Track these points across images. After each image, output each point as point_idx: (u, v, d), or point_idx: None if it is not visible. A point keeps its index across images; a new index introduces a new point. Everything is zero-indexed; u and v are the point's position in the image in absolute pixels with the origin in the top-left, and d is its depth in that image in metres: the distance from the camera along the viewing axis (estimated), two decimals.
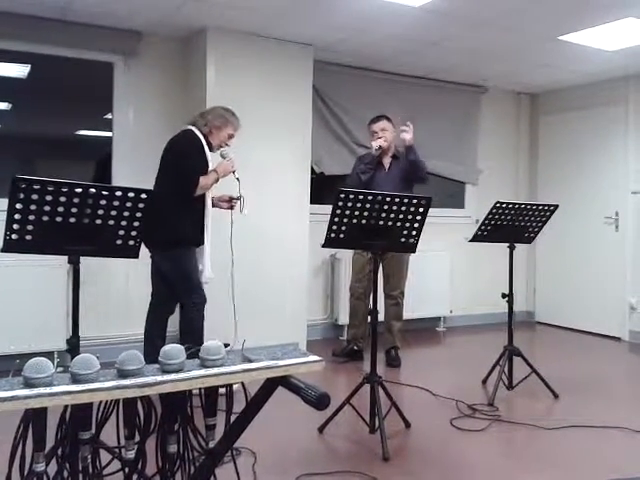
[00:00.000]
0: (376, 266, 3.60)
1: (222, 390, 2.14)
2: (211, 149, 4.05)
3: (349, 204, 3.28)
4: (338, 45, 5.33)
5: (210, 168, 4.00)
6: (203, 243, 3.99)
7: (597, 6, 4.27)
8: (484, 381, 4.49)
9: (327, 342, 5.82)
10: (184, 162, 3.94)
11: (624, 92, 6.24)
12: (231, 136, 4.11)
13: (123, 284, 5.05)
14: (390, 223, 3.40)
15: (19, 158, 5.07)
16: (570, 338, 6.40)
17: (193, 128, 4.04)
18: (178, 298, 4.04)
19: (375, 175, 4.98)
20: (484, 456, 3.26)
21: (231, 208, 4.21)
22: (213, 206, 4.12)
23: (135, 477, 2.13)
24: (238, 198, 4.16)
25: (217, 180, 4.00)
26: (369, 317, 5.05)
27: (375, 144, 4.91)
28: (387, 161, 5.07)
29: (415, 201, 3.37)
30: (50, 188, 2.45)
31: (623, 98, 6.26)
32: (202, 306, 4.00)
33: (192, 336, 3.86)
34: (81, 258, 2.66)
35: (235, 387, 2.18)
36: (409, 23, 4.68)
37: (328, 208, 3.47)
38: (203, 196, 3.98)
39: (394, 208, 3.35)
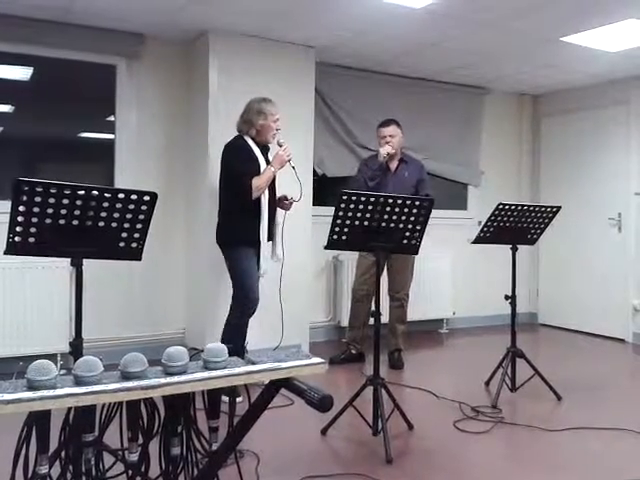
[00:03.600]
0: (380, 268, 3.59)
1: (225, 398, 2.14)
2: (267, 144, 4.21)
3: (351, 206, 3.28)
4: (340, 47, 5.33)
5: (263, 166, 4.09)
6: (259, 242, 4.08)
7: (599, 8, 4.27)
8: (487, 383, 4.48)
9: (330, 344, 5.82)
10: (228, 169, 4.16)
11: (626, 93, 6.23)
12: (277, 120, 4.19)
13: (126, 286, 5.05)
14: (392, 225, 3.39)
15: (22, 160, 5.08)
16: (573, 340, 6.38)
17: (243, 135, 4.18)
18: (233, 295, 4.16)
19: (382, 178, 4.98)
20: (487, 458, 3.26)
21: (286, 208, 4.30)
22: (278, 206, 4.26)
23: (138, 479, 2.13)
24: (289, 200, 4.27)
25: (274, 174, 4.09)
26: (371, 319, 5.10)
27: (383, 151, 4.89)
28: (394, 164, 5.07)
29: (417, 203, 3.37)
30: (53, 190, 2.45)
31: (625, 99, 6.26)
32: (244, 309, 4.08)
33: (225, 334, 4.05)
34: (84, 260, 2.66)
35: (239, 400, 2.19)
36: (411, 25, 4.68)
37: (330, 210, 3.47)
38: (258, 197, 4.08)
39: (396, 210, 3.35)
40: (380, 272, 3.61)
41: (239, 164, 4.09)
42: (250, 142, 4.16)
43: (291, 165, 4.15)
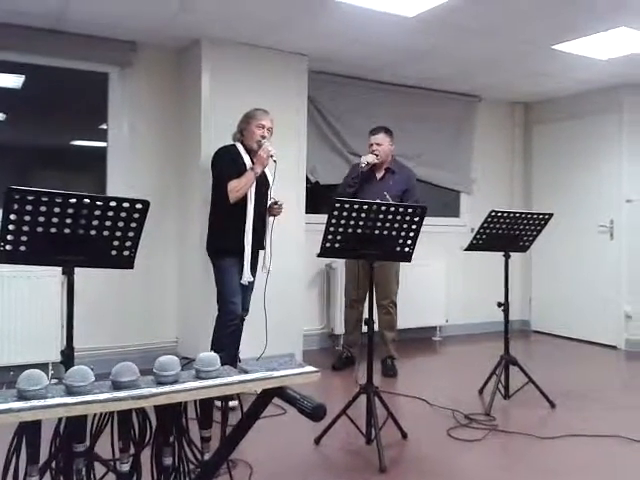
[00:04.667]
0: (372, 274, 3.59)
1: (218, 403, 2.13)
2: (251, 149, 4.16)
3: (344, 213, 3.28)
4: (333, 55, 5.34)
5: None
6: (244, 251, 4.05)
7: (590, 16, 4.29)
8: (480, 391, 4.48)
9: (323, 352, 5.81)
10: (213, 173, 4.19)
11: (617, 100, 6.27)
12: (261, 126, 4.16)
13: (118, 295, 5.03)
14: (385, 232, 3.40)
15: (13, 168, 5.05)
16: (566, 347, 6.39)
17: (236, 143, 4.21)
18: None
19: (364, 186, 4.97)
20: (481, 466, 3.25)
21: (276, 213, 4.26)
22: (270, 214, 4.23)
23: None
24: (278, 204, 4.24)
25: (256, 176, 4.05)
26: (362, 325, 5.11)
27: (364, 159, 4.91)
28: (380, 173, 5.07)
29: (410, 210, 3.38)
30: (44, 199, 2.44)
31: (617, 106, 6.29)
32: (225, 320, 4.07)
33: (212, 344, 4.06)
34: (76, 269, 2.65)
35: (232, 403, 2.17)
36: (403, 33, 4.69)
37: (323, 217, 3.47)
38: (243, 203, 4.05)
39: (389, 217, 3.35)
40: (371, 279, 3.59)
41: (220, 168, 4.12)
42: (240, 148, 4.17)
43: (273, 160, 4.10)
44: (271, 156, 4.06)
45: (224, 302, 4.09)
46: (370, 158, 4.91)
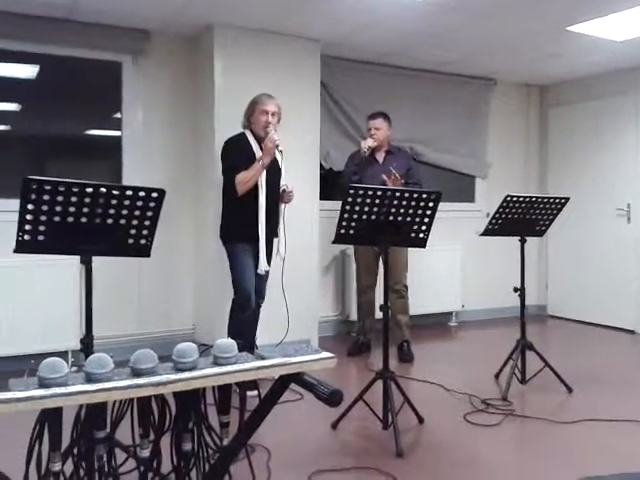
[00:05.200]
0: (387, 260, 3.59)
1: (236, 389, 2.14)
2: (260, 138, 4.11)
3: (359, 200, 3.27)
4: (345, 40, 5.31)
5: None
6: (257, 239, 4.03)
7: None
8: (497, 375, 4.47)
9: (339, 338, 5.83)
10: (222, 165, 4.17)
11: (634, 82, 6.19)
12: (264, 112, 4.11)
13: (136, 283, 5.07)
14: (400, 218, 3.39)
15: (29, 159, 5.09)
16: (583, 331, 6.37)
17: (244, 131, 4.19)
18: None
19: (368, 170, 5.03)
20: (498, 451, 3.26)
21: (287, 201, 4.24)
22: (281, 201, 4.21)
23: (150, 475, 2.14)
24: (288, 191, 4.22)
25: (264, 167, 4.00)
26: (375, 311, 5.15)
27: (364, 145, 4.98)
28: (381, 156, 5.12)
29: (425, 196, 3.36)
30: (61, 188, 2.45)
31: (633, 88, 6.22)
32: (239, 305, 4.10)
33: (229, 330, 4.09)
34: (93, 257, 2.67)
35: (250, 393, 2.19)
36: (415, 16, 4.66)
37: (337, 204, 3.46)
38: (255, 192, 4.03)
39: (404, 203, 3.34)
40: (386, 265, 3.59)
41: (227, 159, 4.12)
42: (249, 137, 4.15)
43: (278, 150, 4.04)
44: (276, 146, 3.99)
45: (238, 287, 4.10)
46: (370, 142, 4.99)
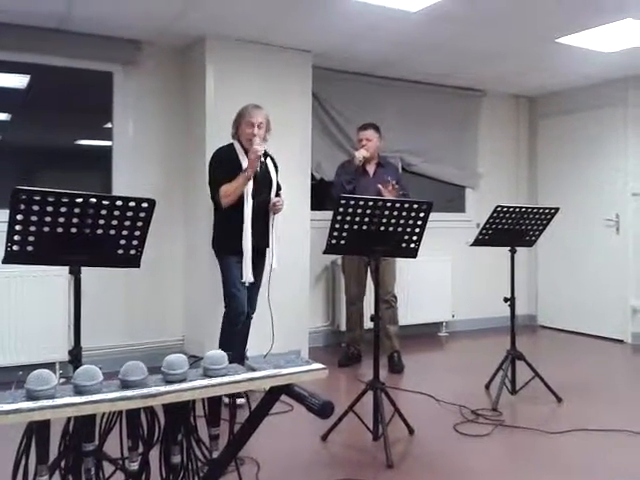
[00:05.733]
0: (377, 271, 3.59)
1: (226, 400, 2.13)
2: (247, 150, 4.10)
3: (350, 210, 3.28)
4: (336, 51, 5.33)
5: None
6: (242, 251, 4.02)
7: (595, 8, 4.27)
8: (487, 386, 4.47)
9: (329, 349, 5.81)
10: (209, 177, 4.16)
11: (623, 93, 6.24)
12: (250, 124, 4.09)
13: (125, 294, 5.04)
14: (391, 228, 3.40)
15: (19, 169, 5.07)
16: (573, 341, 6.38)
17: (233, 142, 4.19)
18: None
19: (360, 182, 5.06)
20: (488, 461, 3.25)
21: (278, 210, 4.23)
22: (271, 211, 4.20)
23: None
24: (274, 202, 4.21)
25: (248, 179, 4.00)
26: (364, 321, 5.16)
27: (359, 155, 5.02)
28: (372, 168, 5.16)
29: (416, 206, 3.38)
30: (51, 199, 2.44)
31: (622, 99, 6.27)
32: (230, 318, 4.09)
33: (220, 342, 4.08)
34: (82, 268, 2.66)
35: (239, 401, 2.18)
36: (406, 28, 4.68)
37: (328, 214, 3.46)
38: (240, 204, 4.02)
39: (395, 213, 3.35)
40: (377, 276, 3.60)
41: (212, 171, 4.13)
42: (237, 147, 4.14)
43: (265, 157, 4.13)
44: (259, 157, 3.99)
45: (230, 300, 4.10)
46: (364, 152, 5.04)
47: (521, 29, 4.73)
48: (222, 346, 3.95)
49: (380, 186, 4.89)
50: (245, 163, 4.04)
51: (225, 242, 4.12)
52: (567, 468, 3.15)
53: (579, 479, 3.01)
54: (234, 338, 4.06)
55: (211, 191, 4.13)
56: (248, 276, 4.06)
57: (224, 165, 4.08)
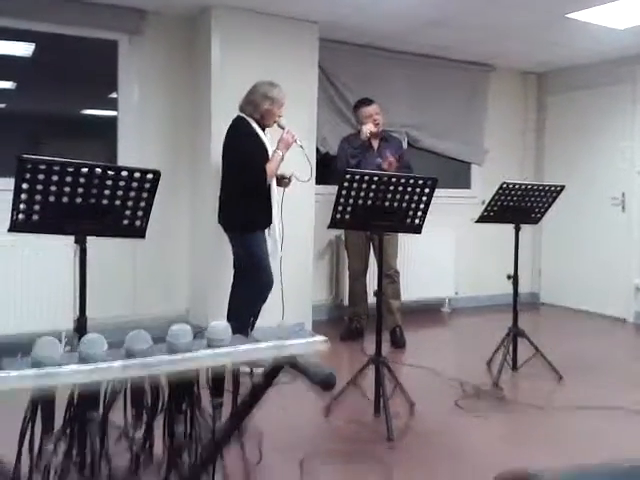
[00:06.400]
0: (380, 246, 3.59)
1: (246, 368, 2.15)
2: (266, 127, 4.18)
3: (355, 185, 3.27)
4: (343, 22, 5.27)
5: (269, 149, 4.10)
6: (270, 224, 4.13)
7: None
8: (489, 362, 4.49)
9: (332, 322, 5.84)
10: (244, 156, 4.09)
11: (632, 71, 6.18)
12: (281, 105, 4.19)
13: (130, 264, 5.05)
14: (396, 204, 3.39)
15: (24, 138, 5.05)
16: (575, 319, 6.40)
17: (243, 115, 4.14)
18: (246, 276, 4.16)
19: (365, 156, 5.05)
20: (488, 437, 3.28)
21: (285, 185, 4.29)
22: (278, 185, 4.25)
23: (143, 456, 2.15)
24: (288, 178, 4.26)
25: (283, 158, 4.11)
26: (367, 296, 5.17)
27: (366, 129, 5.00)
28: (376, 143, 5.13)
29: (421, 182, 3.36)
30: (56, 168, 2.44)
31: (631, 77, 6.20)
32: (260, 291, 4.13)
33: (240, 312, 4.02)
34: (88, 238, 2.66)
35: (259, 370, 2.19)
36: (415, 0, 4.62)
37: (333, 188, 3.45)
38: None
39: (400, 189, 3.34)
40: (380, 251, 3.60)
41: (250, 149, 4.09)
42: (254, 124, 4.14)
43: (299, 144, 4.18)
44: (295, 141, 4.15)
45: (262, 273, 4.11)
46: (371, 127, 5.01)
47: (532, 4, 4.66)
48: (242, 318, 3.85)
49: (379, 160, 4.91)
50: (266, 141, 4.13)
51: (256, 218, 4.13)
52: (566, 444, 3.18)
53: (578, 456, 3.04)
54: (257, 311, 4.10)
55: (250, 168, 4.08)
56: (279, 250, 4.15)
57: (257, 144, 4.10)
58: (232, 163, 4.15)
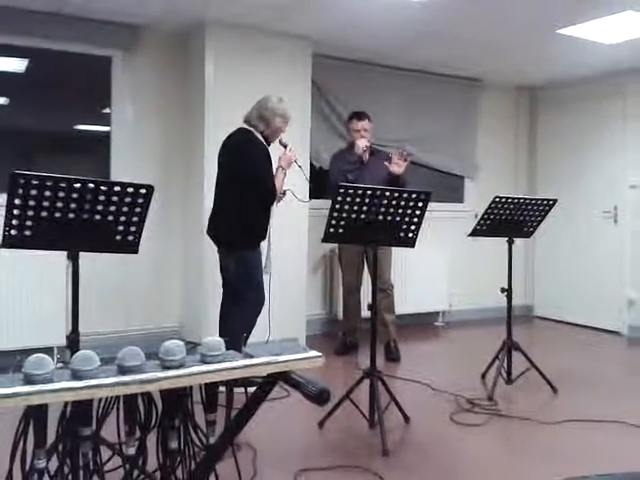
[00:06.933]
0: (375, 260, 3.60)
1: (222, 388, 2.14)
2: (271, 143, 4.12)
3: (348, 199, 3.28)
4: (337, 39, 5.31)
5: (274, 165, 4.07)
6: (265, 238, 4.11)
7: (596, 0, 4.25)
8: (483, 375, 4.49)
9: (326, 337, 5.83)
10: (258, 171, 3.97)
11: (622, 85, 6.23)
12: (286, 123, 4.17)
13: (123, 279, 5.04)
14: (389, 218, 3.39)
15: (17, 153, 5.05)
16: (569, 332, 6.41)
17: (252, 130, 4.03)
18: (238, 294, 4.07)
19: (361, 171, 5.04)
20: (483, 450, 3.27)
21: (279, 200, 4.25)
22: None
23: (136, 473, 2.14)
24: (283, 193, 4.21)
25: (285, 176, 4.10)
26: (361, 310, 5.16)
27: (361, 144, 5.00)
28: (366, 158, 5.12)
29: (415, 196, 3.37)
30: (49, 183, 2.43)
31: (621, 91, 6.25)
32: (256, 307, 4.09)
33: (237, 330, 3.88)
34: (81, 253, 2.65)
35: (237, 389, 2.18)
36: (407, 17, 4.66)
37: (327, 203, 3.46)
38: None
39: (393, 203, 3.34)
40: (375, 265, 3.61)
41: (266, 166, 4.00)
42: (262, 139, 4.05)
43: (298, 165, 4.17)
44: (296, 161, 4.16)
45: (260, 290, 4.08)
46: (365, 142, 5.03)
47: (522, 20, 4.71)
48: (239, 333, 3.79)
49: (392, 152, 4.90)
50: (273, 157, 4.07)
51: (257, 235, 4.09)
52: (561, 458, 3.17)
53: (573, 469, 3.03)
54: (252, 326, 4.08)
55: (264, 184, 3.98)
56: (271, 266, 4.15)
57: (268, 159, 4.02)
58: (243, 178, 3.96)
